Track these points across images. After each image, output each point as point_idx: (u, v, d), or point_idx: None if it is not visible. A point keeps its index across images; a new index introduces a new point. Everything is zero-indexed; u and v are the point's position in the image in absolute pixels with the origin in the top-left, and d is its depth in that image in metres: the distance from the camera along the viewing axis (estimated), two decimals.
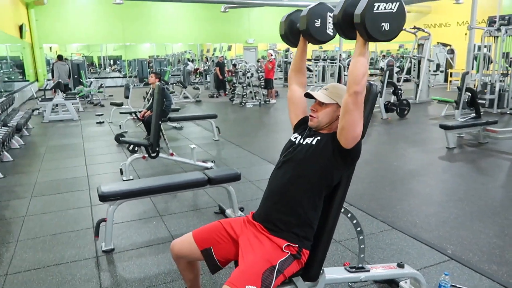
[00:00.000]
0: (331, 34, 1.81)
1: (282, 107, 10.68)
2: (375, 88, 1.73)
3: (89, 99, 12.28)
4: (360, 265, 2.04)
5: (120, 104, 8.60)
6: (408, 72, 11.98)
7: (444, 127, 5.74)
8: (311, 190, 1.65)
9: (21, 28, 14.09)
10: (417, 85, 10.48)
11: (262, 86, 11.38)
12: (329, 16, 1.79)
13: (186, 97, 12.25)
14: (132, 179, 4.41)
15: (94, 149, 6.14)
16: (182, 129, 7.64)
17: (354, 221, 1.99)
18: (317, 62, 14.99)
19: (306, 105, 1.94)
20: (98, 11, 18.77)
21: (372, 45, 22.56)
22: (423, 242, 2.91)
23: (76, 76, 13.52)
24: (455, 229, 3.16)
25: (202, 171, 3.19)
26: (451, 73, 14.50)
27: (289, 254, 1.60)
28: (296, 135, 1.83)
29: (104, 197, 2.72)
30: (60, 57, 12.02)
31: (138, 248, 2.89)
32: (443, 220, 3.36)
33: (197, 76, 18.64)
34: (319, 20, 1.78)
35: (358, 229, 2.00)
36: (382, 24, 1.46)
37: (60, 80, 10.12)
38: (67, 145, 6.48)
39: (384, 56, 20.01)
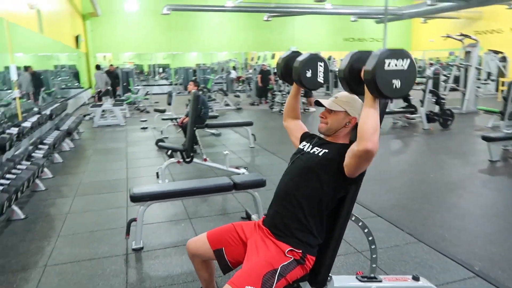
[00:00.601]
0: (322, 81, 1.92)
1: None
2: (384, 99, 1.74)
3: (136, 105, 12.88)
4: (372, 275, 2.03)
5: (163, 111, 8.97)
6: (456, 80, 11.51)
7: (486, 138, 5.49)
8: (312, 198, 1.70)
9: (77, 38, 15.09)
10: (463, 94, 10.05)
11: (302, 95, 11.38)
12: (320, 65, 1.89)
13: (227, 105, 12.52)
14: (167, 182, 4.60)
15: (136, 153, 6.47)
16: (220, 136, 7.83)
17: (366, 230, 2.00)
18: None
19: (303, 126, 2.08)
20: (147, 21, 19.68)
21: (419, 53, 21.88)
22: (449, 257, 2.83)
23: (125, 84, 14.26)
24: (486, 245, 3.04)
25: (229, 176, 3.30)
26: (502, 82, 13.74)
27: (292, 259, 1.65)
28: (304, 143, 1.89)
29: (135, 198, 2.90)
30: (97, 67, 12.69)
31: (165, 248, 3.04)
32: (475, 235, 3.24)
33: (240, 83, 18.97)
34: (310, 70, 1.88)
35: (370, 238, 2.01)
36: (393, 81, 1.44)
37: (109, 88, 10.70)
38: (112, 149, 6.87)
39: (431, 64, 19.32)
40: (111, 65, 14.37)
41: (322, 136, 1.87)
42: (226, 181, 3.17)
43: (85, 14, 17.85)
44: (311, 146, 1.83)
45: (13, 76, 6.39)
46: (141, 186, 3.18)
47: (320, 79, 1.92)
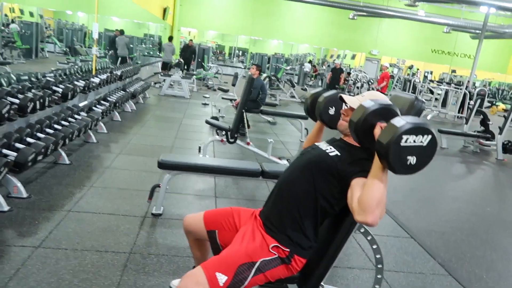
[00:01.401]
0: None
1: None
2: (419, 105, 1.55)
3: (205, 82, 13.20)
4: None
5: (226, 90, 9.08)
6: None
7: None
8: (308, 197, 1.55)
9: (164, 10, 15.74)
10: None
11: None
12: (345, 105, 1.74)
13: (292, 96, 12.37)
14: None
15: (189, 125, 6.61)
16: (275, 125, 7.75)
17: (374, 246, 1.81)
18: (440, 85, 13.74)
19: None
20: (233, 3, 19.97)
21: None
22: None
23: (199, 60, 14.67)
24: None
25: (260, 163, 3.22)
26: None
27: (276, 256, 1.53)
28: (323, 142, 1.75)
29: (162, 165, 2.93)
30: (170, 38, 12.67)
31: (181, 219, 3.02)
32: None
33: (313, 78, 18.66)
34: (333, 108, 1.79)
35: (378, 256, 1.82)
36: (408, 157, 1.29)
37: (181, 60, 11.02)
38: (169, 118, 7.10)
39: None
40: (191, 40, 14.83)
41: (342, 137, 1.71)
42: (255, 167, 3.09)
43: None
44: (326, 144, 1.68)
45: (95, 34, 6.80)
46: (171, 155, 3.21)
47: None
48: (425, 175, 5.64)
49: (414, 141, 1.28)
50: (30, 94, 3.52)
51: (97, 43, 16.00)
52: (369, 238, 1.80)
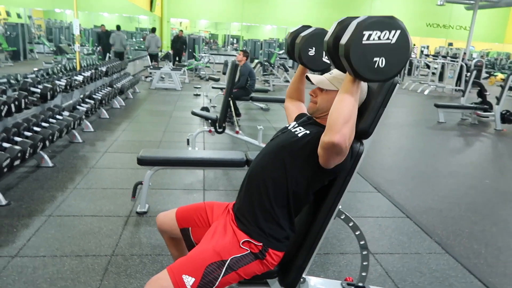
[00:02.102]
0: (328, 62, 1.60)
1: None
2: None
3: (197, 72, 13.01)
4: (361, 284, 1.75)
5: (217, 80, 8.91)
6: None
7: None
8: (280, 184, 1.43)
9: (151, 2, 15.46)
10: None
11: None
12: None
13: (286, 81, 12.19)
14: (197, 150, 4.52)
15: (179, 118, 6.49)
16: (268, 111, 7.61)
17: (357, 233, 1.70)
18: (436, 59, 13.51)
19: (303, 108, 1.80)
20: None
21: None
22: (477, 277, 2.42)
23: (190, 50, 14.45)
24: None
25: (245, 152, 3.10)
26: None
27: (248, 251, 1.42)
28: (294, 122, 1.62)
29: (141, 161, 2.81)
30: (153, 30, 12.51)
31: None
32: None
33: None
34: (314, 48, 1.61)
35: (362, 242, 1.71)
36: (375, 59, 1.12)
37: (169, 52, 10.84)
38: (159, 111, 6.96)
39: None
40: (181, 30, 14.59)
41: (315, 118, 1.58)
42: (240, 156, 2.97)
43: None
44: (296, 125, 1.56)
45: (75, 31, 6.64)
46: (150, 150, 3.09)
47: (325, 59, 1.63)
48: (421, 151, 5.54)
49: (379, 38, 1.11)
50: (3, 97, 3.39)
51: (87, 40, 15.73)
52: (350, 224, 1.68)
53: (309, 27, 1.69)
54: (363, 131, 1.45)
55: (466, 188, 4.05)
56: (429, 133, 6.82)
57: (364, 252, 1.71)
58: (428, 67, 14.58)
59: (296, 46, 1.65)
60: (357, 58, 1.11)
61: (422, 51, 19.97)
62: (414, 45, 21.42)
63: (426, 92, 11.99)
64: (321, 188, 1.51)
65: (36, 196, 3.13)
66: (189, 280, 1.33)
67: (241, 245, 1.42)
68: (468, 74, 10.08)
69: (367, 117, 1.44)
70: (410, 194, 3.79)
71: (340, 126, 1.19)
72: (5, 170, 2.88)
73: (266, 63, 12.56)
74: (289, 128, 1.58)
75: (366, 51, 1.11)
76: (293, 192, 1.43)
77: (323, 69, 1.66)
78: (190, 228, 1.67)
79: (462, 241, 2.90)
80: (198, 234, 1.64)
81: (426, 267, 2.50)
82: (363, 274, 1.74)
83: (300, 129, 1.50)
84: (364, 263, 1.73)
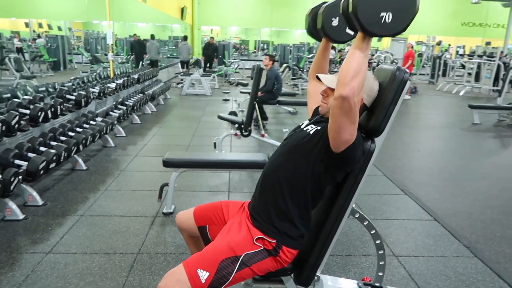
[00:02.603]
0: (352, 33, 1.58)
1: (415, 105, 9.71)
2: (400, 75, 1.41)
3: (227, 78, 13.19)
4: (377, 284, 1.74)
5: (246, 84, 9.01)
6: None
7: None
8: (295, 184, 1.46)
9: (182, 10, 15.85)
10: None
11: None
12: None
13: None
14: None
15: (208, 122, 6.61)
16: (296, 114, 7.61)
17: (372, 232, 1.69)
18: (472, 58, 13.03)
19: None
20: None
21: None
22: (507, 282, 2.33)
23: (220, 56, 14.68)
24: None
25: (267, 154, 3.14)
26: None
27: (262, 248, 1.46)
28: (306, 121, 1.65)
29: (166, 163, 2.91)
30: (184, 38, 12.90)
31: None
32: None
33: (338, 64, 18.21)
34: (337, 18, 1.57)
35: (378, 242, 1.70)
36: (382, 14, 1.14)
37: (199, 59, 11.06)
38: (188, 116, 7.13)
39: None
40: (211, 37, 14.86)
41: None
42: (262, 158, 3.01)
43: None
44: (308, 124, 1.59)
45: (109, 40, 6.93)
46: (177, 152, 3.19)
47: (349, 30, 1.60)
48: (453, 153, 5.38)
49: None
50: (41, 104, 3.60)
51: (122, 49, 16.29)
52: (365, 223, 1.68)
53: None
54: (374, 129, 1.46)
55: (499, 191, 3.90)
56: (463, 135, 6.60)
57: (380, 252, 1.71)
58: (464, 67, 14.10)
59: (318, 17, 1.62)
60: (364, 13, 1.14)
61: (457, 51, 19.32)
62: (449, 45, 20.84)
63: (461, 93, 11.59)
64: (334, 187, 1.53)
65: (70, 197, 3.29)
66: (203, 275, 1.37)
67: (255, 242, 1.46)
68: (504, 73, 9.69)
69: (378, 115, 1.45)
70: (439, 197, 3.69)
71: (349, 79, 1.22)
72: (42, 172, 3.06)
73: (295, 67, 12.56)
74: (301, 127, 1.60)
75: (373, 7, 1.14)
76: (307, 190, 1.45)
77: (346, 41, 1.63)
78: (207, 226, 1.73)
79: (493, 245, 2.80)
80: (215, 231, 1.69)
81: (452, 271, 2.44)
82: (380, 274, 1.73)
83: (311, 127, 1.53)
84: (381, 263, 1.72)
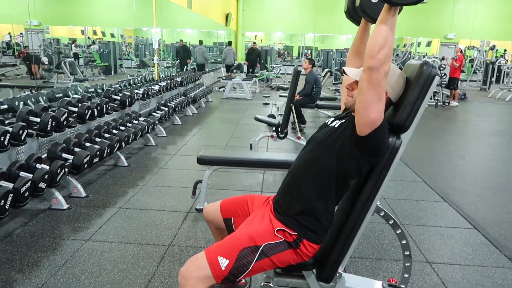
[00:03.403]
0: None
1: (463, 112, 9.28)
2: (428, 70, 1.38)
3: (269, 83, 13.28)
4: (403, 286, 1.70)
5: (286, 89, 9.02)
6: None
7: None
8: (320, 177, 1.47)
9: (227, 16, 16.16)
10: None
11: (443, 85, 10.09)
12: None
13: None
14: None
15: (246, 125, 6.69)
16: None
17: (398, 231, 1.65)
18: None
19: None
20: (295, 1, 19.84)
21: None
22: None
23: (262, 61, 14.82)
24: None
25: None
26: None
27: (282, 239, 1.47)
28: (332, 118, 1.65)
29: (200, 160, 2.99)
30: (229, 43, 13.26)
31: None
32: None
33: None
34: None
35: (404, 242, 1.65)
36: None
37: (241, 63, 11.24)
38: (228, 119, 7.26)
39: None
40: (254, 43, 15.05)
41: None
42: (292, 158, 3.01)
43: None
44: (334, 120, 1.59)
45: (155, 45, 7.22)
46: (211, 150, 3.26)
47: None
48: (503, 162, 5.10)
49: None
50: (88, 103, 3.82)
51: (168, 54, 16.88)
52: (391, 222, 1.64)
53: None
54: (399, 125, 1.44)
55: None
56: None
57: (406, 253, 1.66)
58: None
59: None
60: None
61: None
62: (505, 50, 19.69)
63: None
64: (358, 183, 1.52)
65: (111, 191, 3.46)
66: (223, 262, 1.41)
67: (275, 233, 1.47)
68: None
69: (403, 110, 1.42)
70: (482, 206, 3.52)
71: (376, 52, 1.26)
72: (86, 166, 3.24)
73: (337, 72, 12.43)
74: (327, 123, 1.61)
75: None
76: (332, 184, 1.46)
77: None
78: (232, 218, 1.77)
79: None
80: (240, 223, 1.71)
81: (490, 281, 2.32)
82: (406, 275, 1.69)
83: (336, 122, 1.53)
84: (407, 264, 1.67)
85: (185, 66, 12.09)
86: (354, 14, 1.68)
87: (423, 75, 1.39)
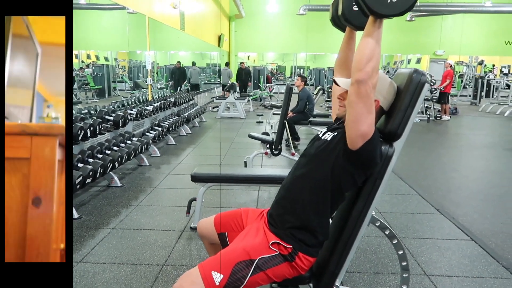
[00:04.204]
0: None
1: (455, 126, 9.36)
2: (417, 77, 1.40)
3: (262, 102, 13.37)
4: None
5: (279, 107, 9.08)
6: None
7: None
8: (315, 192, 1.46)
9: (219, 38, 16.38)
10: None
11: (434, 100, 10.22)
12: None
13: None
14: None
15: (240, 143, 6.69)
16: None
17: (395, 241, 1.63)
18: None
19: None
20: (286, 22, 20.19)
21: None
22: None
23: (255, 81, 14.97)
24: None
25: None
26: None
27: (277, 253, 1.44)
28: (324, 129, 1.65)
29: (195, 178, 2.97)
30: (226, 64, 13.66)
31: None
32: None
33: None
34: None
35: (401, 252, 1.63)
36: None
37: (234, 83, 11.36)
38: (222, 137, 7.29)
39: None
40: (242, 62, 15.26)
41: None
42: (286, 174, 3.00)
43: (231, 16, 19.30)
44: (326, 132, 1.59)
45: (148, 66, 7.28)
46: (205, 168, 3.24)
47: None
48: (495, 173, 5.12)
49: None
50: (80, 124, 3.81)
51: (162, 76, 17.02)
52: (387, 232, 1.63)
53: None
54: (391, 132, 1.45)
55: None
56: (506, 156, 6.27)
57: (404, 263, 1.64)
58: (509, 87, 13.52)
59: (339, 3, 1.57)
60: None
61: (501, 71, 18.55)
62: (493, 65, 20.07)
63: (506, 114, 11.10)
64: (352, 194, 1.51)
65: (104, 212, 3.41)
66: (217, 277, 1.38)
67: (270, 246, 1.45)
68: None
69: (395, 118, 1.43)
70: (478, 217, 3.51)
71: (363, 64, 1.27)
72: (78, 186, 3.21)
73: (330, 90, 12.55)
74: (319, 135, 1.61)
75: None
76: (327, 198, 1.46)
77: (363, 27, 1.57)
78: (226, 233, 1.74)
79: None
80: (234, 238, 1.70)
81: None
82: (404, 287, 1.66)
83: (328, 134, 1.53)
84: (404, 275, 1.65)
85: (179, 87, 12.17)
86: (338, 21, 1.70)
87: (413, 82, 1.40)
